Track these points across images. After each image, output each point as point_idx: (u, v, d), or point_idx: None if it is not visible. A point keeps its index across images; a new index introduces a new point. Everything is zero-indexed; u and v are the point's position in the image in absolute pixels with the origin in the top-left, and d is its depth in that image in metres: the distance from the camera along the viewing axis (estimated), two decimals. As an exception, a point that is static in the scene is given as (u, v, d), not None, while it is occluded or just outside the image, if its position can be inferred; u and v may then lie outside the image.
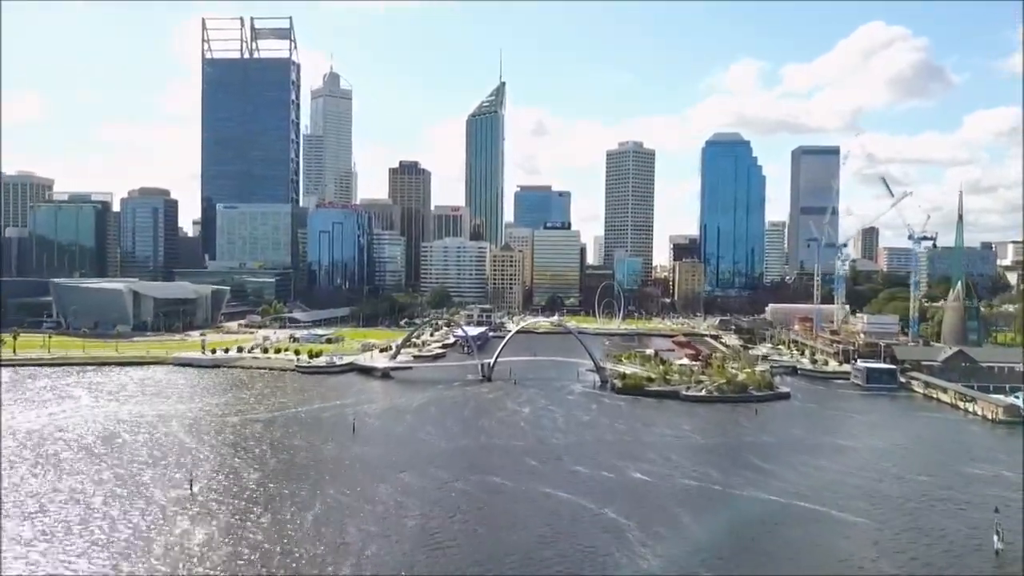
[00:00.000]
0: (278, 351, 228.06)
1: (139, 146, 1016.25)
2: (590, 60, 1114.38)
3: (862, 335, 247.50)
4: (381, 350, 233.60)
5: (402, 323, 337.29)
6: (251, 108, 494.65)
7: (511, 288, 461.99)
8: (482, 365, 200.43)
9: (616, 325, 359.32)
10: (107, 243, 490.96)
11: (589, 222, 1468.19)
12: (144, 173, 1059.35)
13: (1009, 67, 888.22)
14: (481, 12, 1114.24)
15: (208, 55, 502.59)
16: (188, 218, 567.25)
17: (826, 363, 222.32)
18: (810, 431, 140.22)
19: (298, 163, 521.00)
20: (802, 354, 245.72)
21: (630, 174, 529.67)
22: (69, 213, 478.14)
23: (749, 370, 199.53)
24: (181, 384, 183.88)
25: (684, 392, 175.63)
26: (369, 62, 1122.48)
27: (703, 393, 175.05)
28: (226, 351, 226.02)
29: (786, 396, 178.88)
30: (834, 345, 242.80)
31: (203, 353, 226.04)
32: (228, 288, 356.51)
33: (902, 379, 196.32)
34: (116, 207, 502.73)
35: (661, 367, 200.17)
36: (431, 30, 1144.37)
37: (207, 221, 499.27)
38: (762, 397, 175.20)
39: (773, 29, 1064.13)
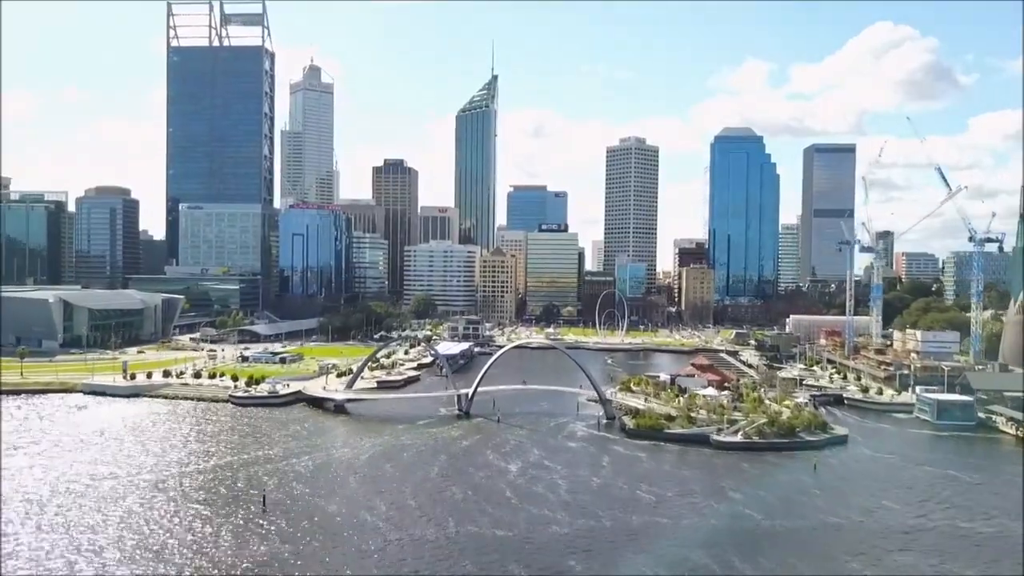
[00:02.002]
0: (213, 376, 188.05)
1: (133, 144, 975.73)
2: (593, 59, 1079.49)
3: (915, 355, 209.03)
4: (339, 374, 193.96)
5: (377, 336, 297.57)
6: (220, 100, 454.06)
7: (503, 296, 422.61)
8: (459, 397, 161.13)
9: (619, 339, 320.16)
10: (61, 246, 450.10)
11: (589, 226, 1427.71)
12: (137, 172, 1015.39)
13: (1014, 68, 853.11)
14: (479, 9, 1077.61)
15: (174, 42, 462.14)
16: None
17: (880, 391, 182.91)
18: (909, 503, 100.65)
19: (272, 160, 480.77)
20: (843, 377, 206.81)
21: (632, 172, 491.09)
22: (19, 213, 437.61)
23: (788, 402, 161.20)
24: (71, 423, 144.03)
25: (715, 436, 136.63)
26: (360, 58, 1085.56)
27: (739, 438, 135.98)
28: (149, 376, 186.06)
29: (843, 440, 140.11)
30: (882, 367, 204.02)
31: (124, 378, 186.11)
32: (182, 297, 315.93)
33: (980, 414, 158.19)
34: (73, 207, 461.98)
35: (680, 399, 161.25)
36: (427, 27, 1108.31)
37: (172, 223, 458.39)
38: (816, 443, 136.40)
39: (779, 29, 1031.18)
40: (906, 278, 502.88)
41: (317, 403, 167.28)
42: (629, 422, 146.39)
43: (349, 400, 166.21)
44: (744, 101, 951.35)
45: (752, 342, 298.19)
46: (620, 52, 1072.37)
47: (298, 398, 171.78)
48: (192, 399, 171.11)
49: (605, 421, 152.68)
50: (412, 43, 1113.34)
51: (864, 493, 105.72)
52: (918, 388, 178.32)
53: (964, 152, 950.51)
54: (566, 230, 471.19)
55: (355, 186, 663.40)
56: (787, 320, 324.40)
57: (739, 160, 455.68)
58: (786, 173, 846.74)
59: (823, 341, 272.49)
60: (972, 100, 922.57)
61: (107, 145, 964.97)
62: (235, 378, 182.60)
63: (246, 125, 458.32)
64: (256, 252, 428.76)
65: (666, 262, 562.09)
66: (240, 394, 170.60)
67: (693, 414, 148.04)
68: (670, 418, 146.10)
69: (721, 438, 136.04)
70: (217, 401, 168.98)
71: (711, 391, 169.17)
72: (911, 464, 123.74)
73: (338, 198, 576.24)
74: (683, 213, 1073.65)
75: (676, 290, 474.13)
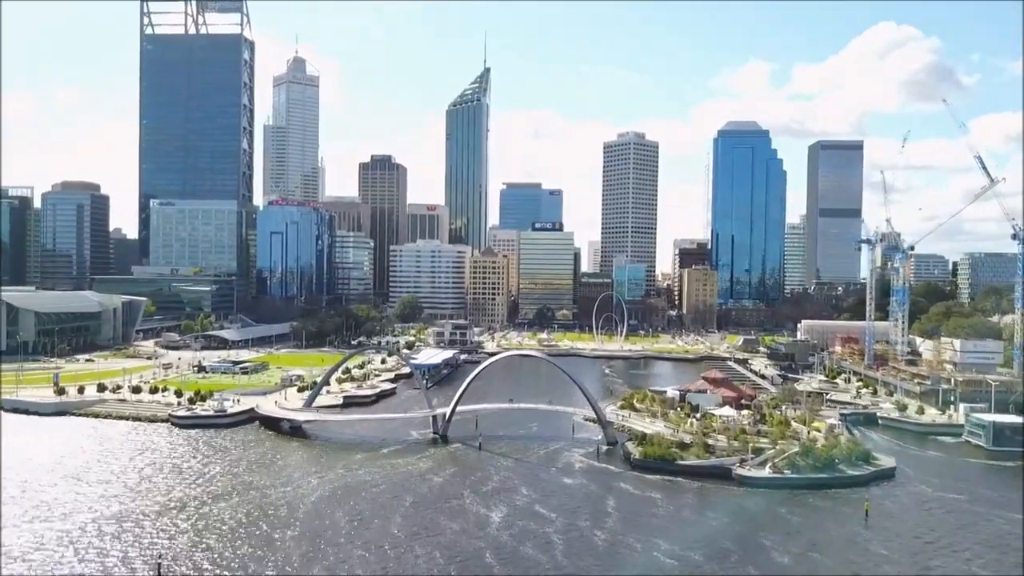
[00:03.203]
0: (155, 390, 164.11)
1: (112, 140, 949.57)
2: (592, 60, 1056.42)
3: (951, 367, 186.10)
4: (302, 388, 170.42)
5: (355, 343, 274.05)
6: (197, 91, 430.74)
7: (494, 299, 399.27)
8: (434, 418, 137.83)
9: (618, 345, 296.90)
10: (27, 244, 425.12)
11: (587, 230, 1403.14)
12: (115, 168, 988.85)
13: (1016, 69, 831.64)
14: (476, 8, 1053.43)
15: (148, 30, 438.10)
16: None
17: (920, 410, 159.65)
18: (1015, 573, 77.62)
19: (251, 155, 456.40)
20: (873, 392, 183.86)
21: (631, 169, 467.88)
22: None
23: (817, 424, 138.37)
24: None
25: (739, 469, 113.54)
26: (349, 53, 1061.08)
27: (768, 471, 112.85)
28: (80, 391, 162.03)
29: (891, 473, 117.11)
30: (916, 380, 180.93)
31: (55, 394, 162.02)
32: (144, 299, 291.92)
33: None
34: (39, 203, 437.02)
35: (693, 420, 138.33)
36: (421, 23, 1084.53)
37: (145, 221, 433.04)
38: (860, 478, 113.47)
39: (782, 29, 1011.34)
40: (915, 280, 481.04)
41: (271, 423, 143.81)
42: (634, 450, 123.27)
43: (308, 421, 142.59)
44: (745, 102, 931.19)
45: (762, 349, 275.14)
46: (621, 52, 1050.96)
47: (251, 417, 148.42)
48: (127, 418, 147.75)
49: (606, 447, 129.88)
50: (405, 39, 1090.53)
51: (945, 554, 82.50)
52: (962, 406, 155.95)
53: (965, 154, 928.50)
54: (561, 229, 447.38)
55: (342, 184, 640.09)
56: (798, 325, 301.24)
57: (743, 155, 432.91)
58: (788, 174, 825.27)
59: (839, 349, 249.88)
60: (974, 101, 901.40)
61: (86, 142, 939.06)
62: (179, 393, 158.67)
63: (224, 118, 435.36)
64: (232, 251, 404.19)
65: (665, 263, 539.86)
66: (181, 413, 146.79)
67: (710, 440, 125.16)
68: (683, 445, 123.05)
69: (746, 472, 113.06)
70: (155, 421, 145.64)
71: (728, 411, 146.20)
72: (984, 507, 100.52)
73: (323, 196, 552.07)
74: (683, 217, 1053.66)
75: (676, 293, 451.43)
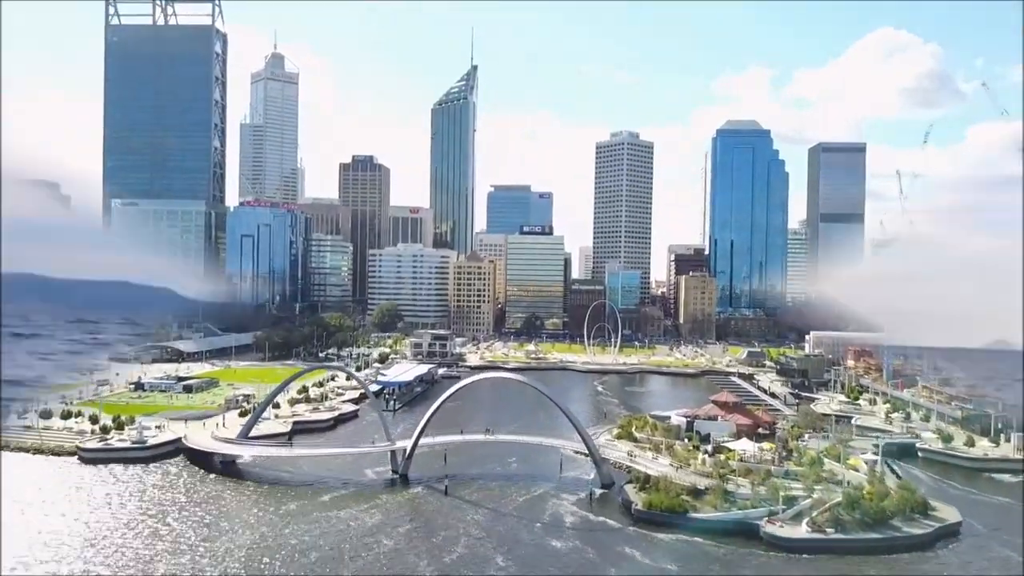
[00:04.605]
0: (68, 415, 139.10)
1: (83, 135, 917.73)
2: (592, 61, 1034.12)
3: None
4: (244, 412, 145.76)
5: (323, 355, 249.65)
6: (166, 85, 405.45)
7: (479, 307, 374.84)
8: (392, 453, 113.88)
9: (612, 358, 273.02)
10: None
11: (582, 236, 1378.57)
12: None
13: (1016, 75, 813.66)
14: (471, 7, 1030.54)
15: (114, 20, 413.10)
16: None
17: (970, 441, 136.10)
18: None
19: (224, 153, 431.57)
20: (906, 417, 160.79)
21: (624, 171, 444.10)
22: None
23: (853, 461, 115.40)
24: None
25: (768, 527, 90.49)
26: (338, 51, 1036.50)
27: (806, 530, 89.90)
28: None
29: (955, 530, 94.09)
30: (955, 403, 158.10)
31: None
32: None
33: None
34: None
35: (705, 456, 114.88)
36: (413, 23, 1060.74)
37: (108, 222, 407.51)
38: (921, 538, 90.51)
39: (781, 34, 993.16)
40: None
41: (201, 457, 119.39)
42: (636, 497, 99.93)
43: (240, 458, 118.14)
44: (745, 107, 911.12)
45: (769, 363, 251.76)
46: (620, 56, 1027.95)
47: (178, 448, 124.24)
48: (27, 450, 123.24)
49: (600, 491, 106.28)
50: (397, 39, 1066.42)
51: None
52: (1014, 436, 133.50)
53: (963, 161, 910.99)
54: (550, 233, 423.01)
55: (324, 186, 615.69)
56: (807, 337, 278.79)
57: (743, 156, 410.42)
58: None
59: (852, 363, 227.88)
60: (972, 108, 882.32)
61: (47, 138, 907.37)
62: (95, 420, 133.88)
63: (194, 113, 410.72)
64: (200, 255, 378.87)
65: (660, 270, 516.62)
66: (91, 444, 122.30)
67: (729, 485, 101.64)
68: (696, 492, 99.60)
69: (778, 531, 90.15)
70: (60, 454, 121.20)
71: (745, 443, 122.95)
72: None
73: (303, 197, 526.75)
74: (680, 218, 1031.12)
75: (672, 301, 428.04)
